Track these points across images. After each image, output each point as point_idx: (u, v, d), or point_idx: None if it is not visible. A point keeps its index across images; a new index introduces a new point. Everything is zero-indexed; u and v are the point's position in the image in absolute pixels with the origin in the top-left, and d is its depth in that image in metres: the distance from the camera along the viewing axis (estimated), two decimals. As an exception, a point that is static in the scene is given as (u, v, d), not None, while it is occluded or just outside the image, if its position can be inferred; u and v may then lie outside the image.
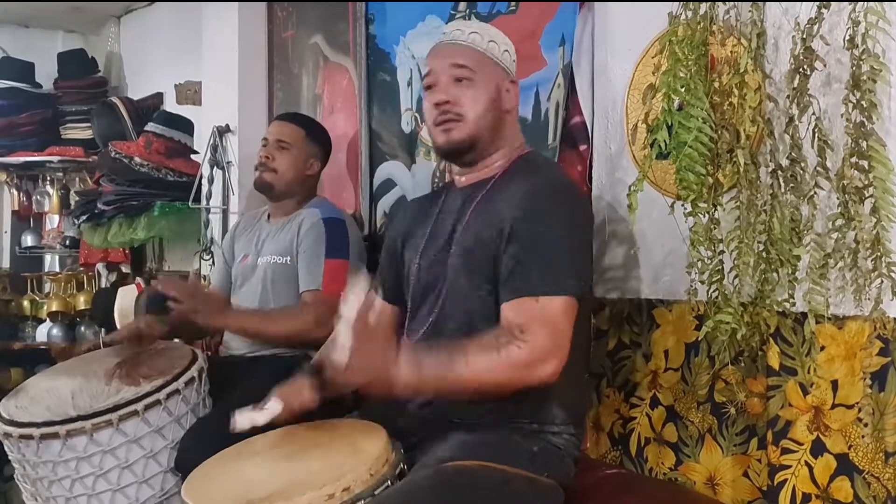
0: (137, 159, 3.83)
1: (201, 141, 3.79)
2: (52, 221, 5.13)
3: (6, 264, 5.26)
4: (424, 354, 1.63)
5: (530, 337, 1.62)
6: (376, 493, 1.55)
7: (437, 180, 2.80)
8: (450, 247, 1.85)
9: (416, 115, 2.91)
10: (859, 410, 1.64)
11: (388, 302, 2.06)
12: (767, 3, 1.76)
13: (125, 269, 4.62)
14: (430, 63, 1.91)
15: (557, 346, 1.64)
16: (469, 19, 2.62)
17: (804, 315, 1.67)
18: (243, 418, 1.76)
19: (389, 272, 2.07)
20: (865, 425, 1.63)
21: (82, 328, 4.76)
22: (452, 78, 1.84)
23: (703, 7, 1.83)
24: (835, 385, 1.68)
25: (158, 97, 4.60)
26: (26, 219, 5.19)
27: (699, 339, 1.92)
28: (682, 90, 1.81)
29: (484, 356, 1.61)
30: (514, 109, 1.93)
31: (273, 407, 1.76)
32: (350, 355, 1.56)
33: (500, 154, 1.90)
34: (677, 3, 1.86)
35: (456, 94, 1.84)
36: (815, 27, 1.64)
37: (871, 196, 1.57)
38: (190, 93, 4.04)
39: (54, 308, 4.76)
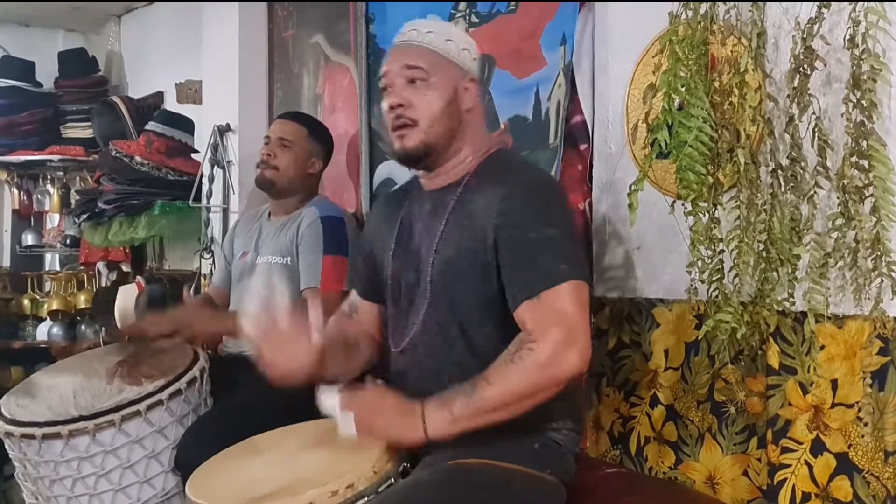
0: (138, 158, 3.83)
1: (202, 140, 3.79)
2: (53, 220, 5.12)
3: (6, 263, 5.25)
4: (449, 399, 1.60)
5: (539, 336, 1.59)
6: (380, 490, 1.56)
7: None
8: (428, 257, 1.80)
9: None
10: (859, 410, 1.65)
11: (366, 300, 2.03)
12: (768, 2, 1.76)
13: (125, 267, 4.61)
14: (385, 65, 1.85)
15: (573, 334, 1.59)
16: (468, 19, 2.63)
17: (804, 314, 1.67)
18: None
19: (364, 271, 2.03)
20: (865, 424, 1.64)
21: (83, 327, 4.76)
22: (406, 80, 1.79)
23: (704, 7, 1.83)
24: (834, 384, 1.69)
25: (159, 96, 4.59)
26: (27, 218, 5.18)
27: (699, 338, 1.93)
28: (683, 89, 1.81)
29: (502, 372, 1.59)
30: (475, 109, 1.86)
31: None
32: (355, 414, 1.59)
33: (464, 155, 1.84)
34: (678, 2, 1.86)
35: (409, 97, 1.78)
36: (816, 27, 1.64)
37: (872, 195, 1.57)
38: (190, 92, 4.04)
39: (55, 307, 4.76)
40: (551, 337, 1.58)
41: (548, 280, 1.63)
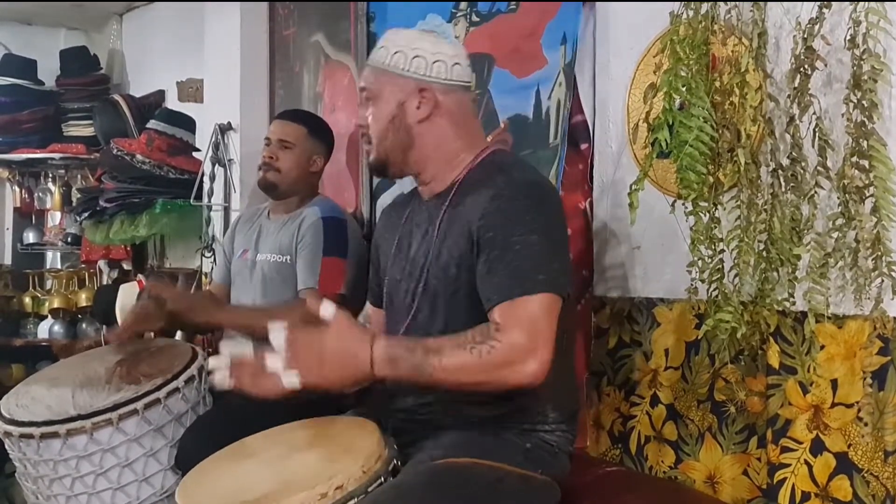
0: (139, 156, 3.83)
1: (203, 138, 3.80)
2: (54, 218, 5.12)
3: (8, 261, 5.25)
4: (400, 354, 1.59)
5: (505, 336, 1.56)
6: (369, 490, 1.54)
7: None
8: (424, 264, 1.80)
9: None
10: (859, 409, 1.65)
11: (375, 307, 2.04)
12: (769, 2, 1.76)
13: (127, 266, 4.61)
14: None
15: (536, 345, 1.57)
16: (469, 18, 2.62)
17: (804, 314, 1.67)
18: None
19: (374, 279, 2.04)
20: (865, 424, 1.64)
21: (84, 325, 4.75)
22: (364, 99, 1.85)
23: (705, 6, 1.83)
24: (834, 384, 1.69)
25: (160, 94, 4.59)
26: (28, 216, 5.18)
27: (699, 337, 1.93)
28: (684, 89, 1.81)
29: (457, 356, 1.57)
30: (435, 116, 1.79)
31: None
32: (293, 359, 1.56)
33: (440, 164, 1.82)
34: (679, 2, 1.86)
35: (364, 116, 1.85)
36: (817, 27, 1.64)
37: (872, 196, 1.57)
38: (192, 90, 4.04)
39: (56, 305, 4.76)
40: (515, 341, 1.56)
41: (525, 286, 1.60)
